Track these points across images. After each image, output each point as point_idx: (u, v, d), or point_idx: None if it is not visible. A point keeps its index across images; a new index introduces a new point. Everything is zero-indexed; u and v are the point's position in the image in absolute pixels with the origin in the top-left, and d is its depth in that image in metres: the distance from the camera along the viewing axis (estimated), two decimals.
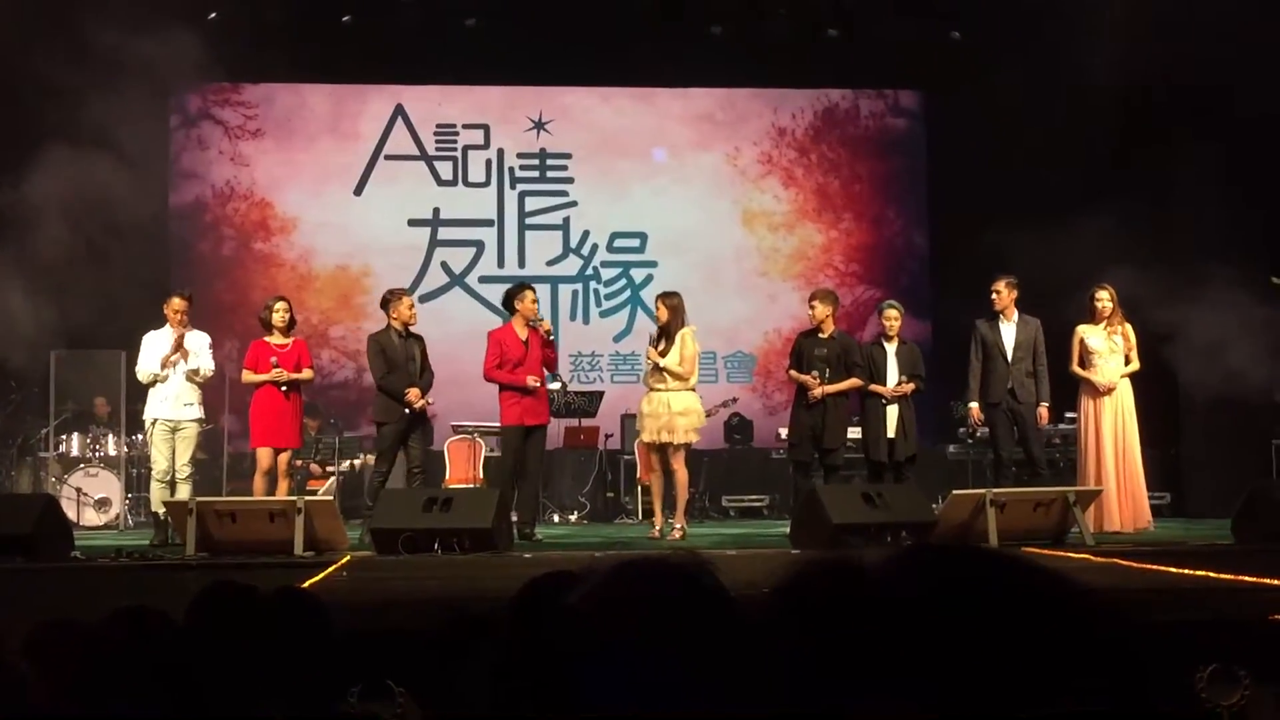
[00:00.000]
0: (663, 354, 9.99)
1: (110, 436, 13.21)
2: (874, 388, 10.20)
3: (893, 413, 10.17)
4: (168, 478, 10.00)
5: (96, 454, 13.13)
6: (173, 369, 10.05)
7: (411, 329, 10.27)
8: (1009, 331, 10.27)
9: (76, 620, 2.33)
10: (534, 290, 10.53)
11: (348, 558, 7.93)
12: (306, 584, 5.28)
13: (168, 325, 10.21)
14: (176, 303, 10.21)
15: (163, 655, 2.25)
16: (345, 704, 3.98)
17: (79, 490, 12.63)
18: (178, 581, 6.45)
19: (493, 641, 1.95)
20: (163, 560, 8.19)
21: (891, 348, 10.31)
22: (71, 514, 11.31)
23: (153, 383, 10.10)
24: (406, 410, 9.95)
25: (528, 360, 10.04)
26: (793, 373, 10.35)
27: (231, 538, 8.39)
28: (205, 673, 2.42)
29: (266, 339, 10.25)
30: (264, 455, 10.06)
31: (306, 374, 10.27)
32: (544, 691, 1.44)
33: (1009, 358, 10.20)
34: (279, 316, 10.25)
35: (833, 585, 0.88)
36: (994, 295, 10.31)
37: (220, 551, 8.33)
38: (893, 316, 10.35)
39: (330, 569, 7.05)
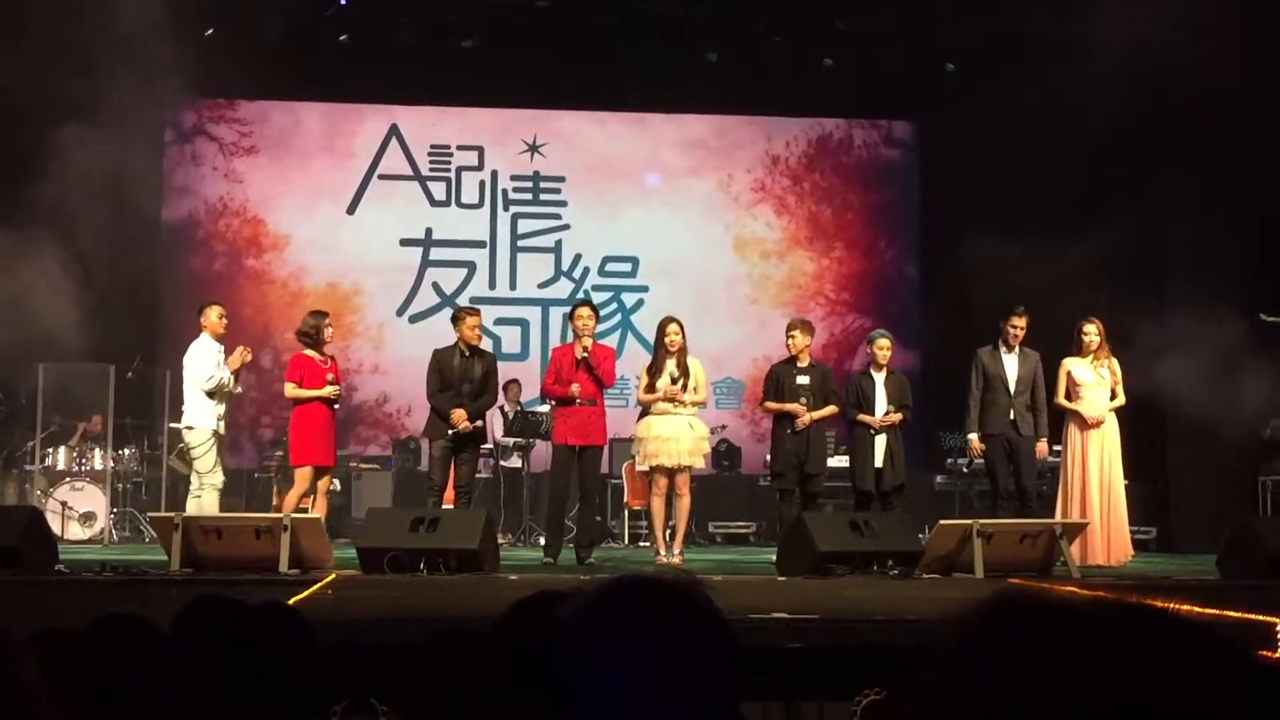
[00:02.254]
0: (676, 380, 9.98)
1: (97, 450, 13.17)
2: (862, 417, 10.19)
3: (880, 442, 10.16)
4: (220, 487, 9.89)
5: (82, 468, 13.09)
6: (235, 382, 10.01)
7: (478, 347, 10.11)
8: (1011, 363, 10.13)
9: (60, 629, 2.33)
10: (587, 306, 10.26)
11: (333, 576, 7.90)
12: (292, 601, 5.26)
13: (205, 335, 10.02)
14: (222, 312, 10.16)
15: (147, 665, 2.24)
16: None
17: (64, 504, 12.59)
18: (162, 596, 6.42)
19: (479, 658, 1.95)
20: (147, 575, 8.15)
21: (880, 377, 10.30)
22: (56, 528, 11.25)
23: (213, 393, 9.87)
24: (449, 430, 9.83)
25: (578, 378, 9.95)
26: (771, 404, 10.30)
27: (217, 554, 8.36)
28: (190, 685, 2.41)
29: (308, 354, 9.97)
30: (307, 474, 9.82)
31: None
32: (535, 705, 1.44)
33: (1011, 390, 10.11)
34: (331, 332, 10.14)
35: (1033, 622, 0.88)
36: (1015, 330, 10.10)
37: (205, 567, 8.29)
38: (883, 346, 10.33)
39: (315, 586, 7.03)
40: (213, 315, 10.09)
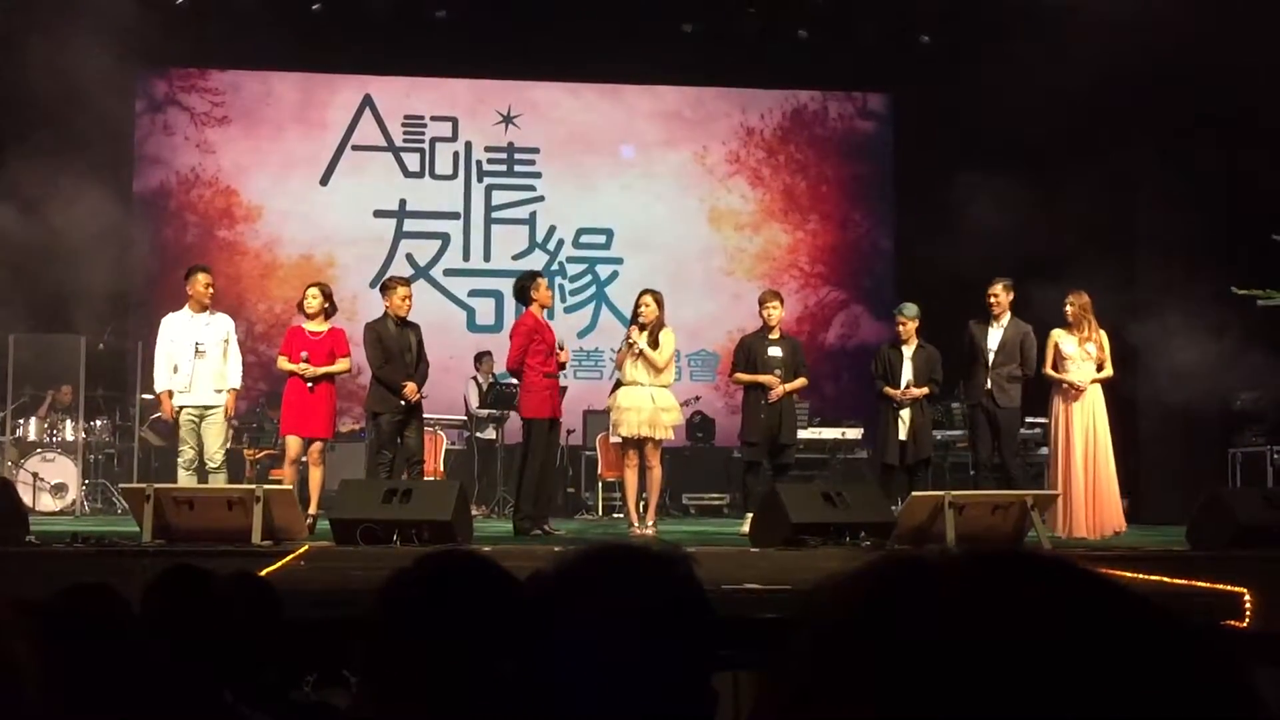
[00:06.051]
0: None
1: (68, 421, 13.10)
2: (886, 390, 10.28)
3: (905, 416, 10.24)
4: (194, 466, 9.78)
5: (54, 439, 13.01)
6: (201, 358, 9.83)
7: (407, 319, 10.05)
8: (994, 334, 10.24)
9: (29, 599, 2.31)
10: (546, 279, 10.43)
11: (306, 547, 7.89)
12: (263, 572, 5.25)
13: (187, 307, 9.96)
14: (202, 280, 9.95)
15: (117, 635, 2.23)
16: (300, 692, 3.97)
17: (35, 475, 12.51)
18: (134, 567, 6.40)
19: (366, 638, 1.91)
20: (119, 546, 8.12)
21: (909, 350, 10.40)
22: (27, 499, 11.18)
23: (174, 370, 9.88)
24: (401, 402, 9.85)
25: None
26: (742, 375, 10.35)
27: (189, 525, 8.33)
28: (161, 656, 2.40)
29: (303, 325, 10.01)
30: (292, 444, 9.92)
31: (340, 365, 9.99)
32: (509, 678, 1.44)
33: (989, 360, 10.20)
34: (311, 303, 10.02)
35: (895, 586, 0.81)
36: (992, 299, 10.22)
37: (177, 539, 8.27)
38: (903, 322, 10.46)
39: (288, 558, 7.02)
40: (195, 284, 9.96)
